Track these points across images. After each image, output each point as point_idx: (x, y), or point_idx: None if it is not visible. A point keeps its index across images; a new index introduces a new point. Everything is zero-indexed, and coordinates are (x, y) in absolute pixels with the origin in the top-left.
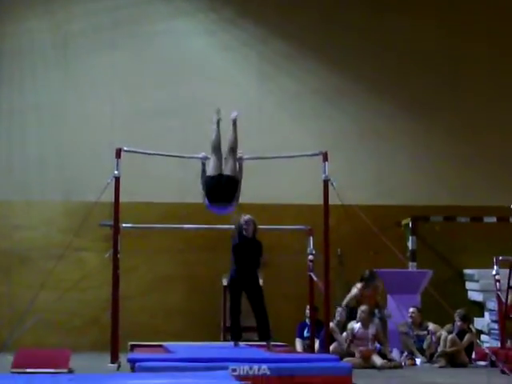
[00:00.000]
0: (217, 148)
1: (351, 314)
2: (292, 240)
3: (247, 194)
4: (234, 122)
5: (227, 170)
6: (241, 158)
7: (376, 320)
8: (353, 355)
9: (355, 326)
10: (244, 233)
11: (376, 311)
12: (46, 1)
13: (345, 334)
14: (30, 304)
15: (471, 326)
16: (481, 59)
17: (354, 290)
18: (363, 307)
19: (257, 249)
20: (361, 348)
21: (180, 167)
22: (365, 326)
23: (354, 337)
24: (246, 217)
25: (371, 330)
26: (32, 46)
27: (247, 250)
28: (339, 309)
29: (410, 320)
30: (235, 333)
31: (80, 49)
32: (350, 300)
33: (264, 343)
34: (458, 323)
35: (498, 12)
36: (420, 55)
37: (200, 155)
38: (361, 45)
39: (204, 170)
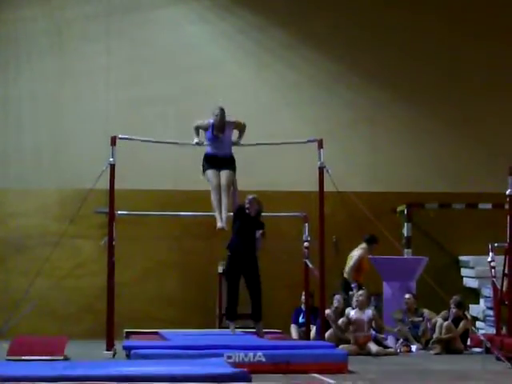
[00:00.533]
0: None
1: (347, 288)
2: (287, 227)
3: (243, 181)
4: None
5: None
6: (238, 143)
7: (372, 306)
8: (349, 342)
9: (351, 311)
10: (247, 211)
11: (372, 298)
12: None
13: (341, 320)
14: (26, 292)
15: (466, 313)
16: (478, 47)
17: (359, 252)
18: (360, 291)
19: (257, 224)
20: (356, 334)
21: (175, 155)
22: (361, 310)
23: (349, 322)
24: (251, 196)
25: (367, 315)
26: (26, 33)
27: (248, 228)
28: (337, 296)
29: (405, 307)
30: (230, 313)
31: (74, 37)
32: (350, 270)
33: (267, 331)
34: (453, 310)
35: (498, 5)
36: (417, 44)
37: (194, 141)
38: (358, 32)
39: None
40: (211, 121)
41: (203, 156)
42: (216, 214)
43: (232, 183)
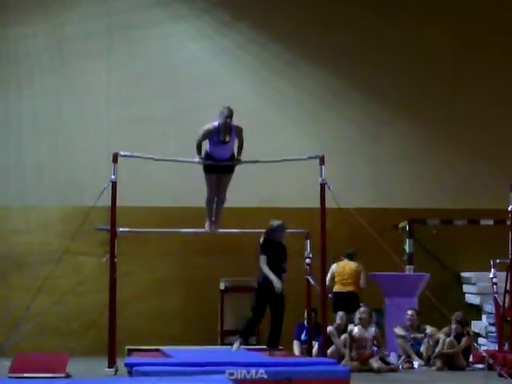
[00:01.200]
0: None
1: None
2: (289, 243)
3: (245, 197)
4: None
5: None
6: (239, 160)
7: (373, 323)
8: (351, 359)
9: (354, 328)
10: (276, 239)
11: (373, 314)
12: (40, 6)
13: (343, 336)
14: (27, 309)
15: (468, 329)
16: (480, 65)
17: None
18: (362, 309)
19: (283, 253)
20: (359, 351)
21: (176, 172)
22: (364, 328)
23: (352, 339)
24: (279, 222)
25: (370, 332)
26: (27, 51)
27: (276, 255)
28: (340, 313)
29: (408, 323)
30: (246, 335)
31: (75, 54)
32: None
33: (264, 347)
34: (454, 326)
35: (499, 19)
36: (419, 60)
37: (196, 159)
38: (359, 49)
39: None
40: (216, 124)
41: (204, 154)
42: (207, 216)
43: (227, 189)
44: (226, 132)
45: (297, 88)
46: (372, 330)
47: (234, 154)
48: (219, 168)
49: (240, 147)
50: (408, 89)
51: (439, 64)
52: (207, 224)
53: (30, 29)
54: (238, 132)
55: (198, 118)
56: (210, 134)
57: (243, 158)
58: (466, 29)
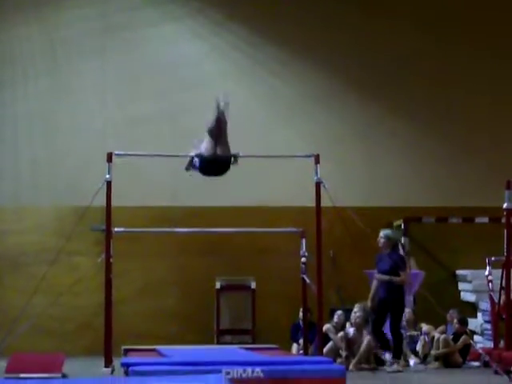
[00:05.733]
0: (213, 132)
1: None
2: (285, 242)
3: (240, 197)
4: (226, 106)
5: (221, 152)
6: (237, 155)
7: (369, 328)
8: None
9: (350, 330)
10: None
11: (370, 319)
12: (35, 7)
13: (339, 334)
14: (23, 309)
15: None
16: (471, 62)
17: None
18: (358, 313)
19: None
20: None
21: (172, 171)
22: (358, 331)
23: (347, 341)
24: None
25: (365, 336)
26: (22, 52)
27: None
28: (338, 312)
29: (404, 321)
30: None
31: (70, 55)
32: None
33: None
34: (456, 326)
35: (487, 16)
36: (412, 59)
37: (192, 153)
38: (353, 48)
39: (192, 161)
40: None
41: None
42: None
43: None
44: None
45: (291, 87)
46: (367, 337)
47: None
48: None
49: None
50: (403, 87)
51: (434, 62)
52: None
53: (24, 30)
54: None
55: (192, 118)
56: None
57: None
58: (459, 28)
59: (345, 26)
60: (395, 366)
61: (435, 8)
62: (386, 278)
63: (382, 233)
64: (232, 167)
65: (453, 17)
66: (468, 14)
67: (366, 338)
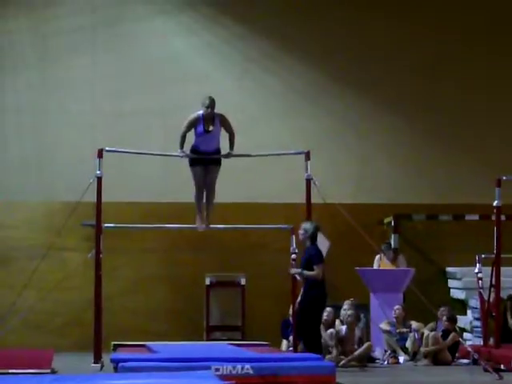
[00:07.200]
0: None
1: None
2: (275, 239)
3: (230, 193)
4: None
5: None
6: (230, 154)
7: (361, 324)
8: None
9: (342, 327)
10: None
11: (362, 315)
12: (25, 1)
13: (329, 331)
14: (13, 304)
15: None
16: (464, 58)
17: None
18: (349, 311)
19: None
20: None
21: (162, 167)
22: (350, 329)
23: (338, 339)
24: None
25: (357, 333)
26: (12, 46)
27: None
28: (328, 309)
29: (394, 318)
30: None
31: (60, 49)
32: None
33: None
34: (445, 323)
35: (484, 13)
36: (404, 54)
37: (179, 153)
38: (344, 43)
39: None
40: (200, 113)
41: (191, 148)
42: (197, 213)
43: (215, 182)
44: (209, 121)
45: (282, 82)
46: (359, 331)
47: (219, 148)
48: (205, 160)
49: (231, 139)
50: (394, 83)
51: (425, 58)
52: (198, 220)
53: (14, 24)
54: (223, 120)
55: (183, 113)
56: (194, 123)
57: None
58: (449, 22)
59: (336, 21)
60: None
61: (434, 4)
62: (297, 271)
63: (302, 226)
64: (223, 162)
65: (445, 10)
66: (462, 11)
67: (366, 344)
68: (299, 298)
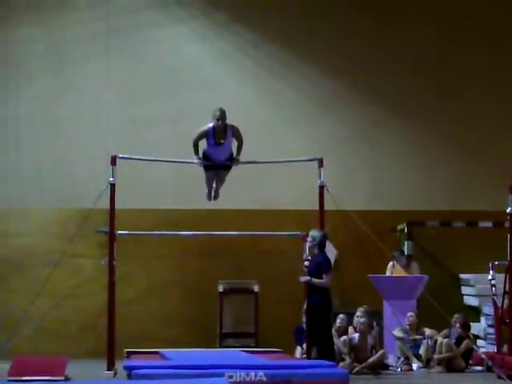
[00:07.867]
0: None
1: None
2: (288, 246)
3: (243, 200)
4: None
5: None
6: (237, 160)
7: (374, 332)
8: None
9: (354, 335)
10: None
11: (375, 323)
12: (39, 8)
13: (342, 338)
14: (27, 311)
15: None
16: (477, 67)
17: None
18: (362, 319)
19: None
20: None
21: (175, 174)
22: (363, 337)
23: (351, 347)
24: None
25: (369, 341)
26: (26, 53)
27: None
28: (341, 315)
29: (407, 325)
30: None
31: (74, 56)
32: None
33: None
34: (459, 330)
35: (497, 21)
36: (417, 61)
37: (194, 160)
38: (357, 51)
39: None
40: (211, 126)
41: (202, 153)
42: (207, 192)
43: (224, 179)
44: (220, 134)
45: (295, 90)
46: (371, 338)
47: (232, 154)
48: (217, 166)
49: (239, 147)
50: (407, 90)
51: (437, 68)
52: (207, 195)
53: (28, 31)
54: (235, 132)
55: (196, 120)
56: (204, 136)
57: (242, 158)
58: (464, 32)
59: (350, 30)
60: None
61: (448, 13)
62: (306, 279)
63: (310, 233)
64: (234, 171)
65: (466, 16)
66: (467, 15)
67: (380, 351)
68: (304, 307)
